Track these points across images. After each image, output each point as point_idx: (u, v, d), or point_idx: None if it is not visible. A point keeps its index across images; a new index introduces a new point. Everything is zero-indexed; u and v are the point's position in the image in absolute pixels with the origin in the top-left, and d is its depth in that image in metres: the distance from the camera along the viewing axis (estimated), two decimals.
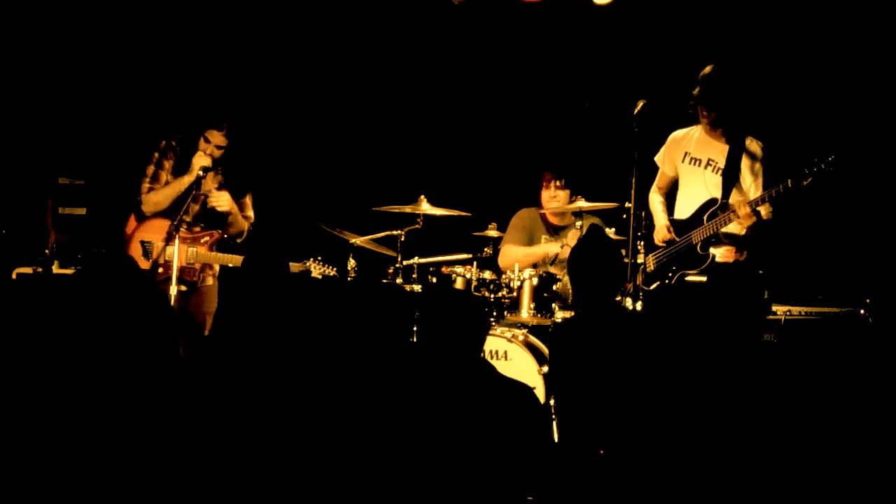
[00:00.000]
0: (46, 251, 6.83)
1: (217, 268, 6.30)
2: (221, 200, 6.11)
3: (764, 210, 5.66)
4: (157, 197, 6.07)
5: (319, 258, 6.54)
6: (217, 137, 6.08)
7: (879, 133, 6.73)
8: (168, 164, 6.13)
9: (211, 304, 6.22)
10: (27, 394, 3.21)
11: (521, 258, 6.74)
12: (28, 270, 6.74)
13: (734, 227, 5.77)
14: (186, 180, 6.01)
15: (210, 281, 6.25)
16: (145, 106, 7.30)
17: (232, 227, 6.26)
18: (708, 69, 5.84)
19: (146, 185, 6.10)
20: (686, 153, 6.02)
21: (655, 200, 6.19)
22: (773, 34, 7.01)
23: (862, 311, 5.95)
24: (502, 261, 6.93)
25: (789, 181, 5.47)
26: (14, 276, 6.73)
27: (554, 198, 6.95)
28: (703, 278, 5.77)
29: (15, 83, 7.24)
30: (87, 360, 3.23)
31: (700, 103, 5.86)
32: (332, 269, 6.60)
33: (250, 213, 6.32)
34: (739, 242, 5.81)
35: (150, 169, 6.11)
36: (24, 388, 3.22)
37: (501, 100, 7.87)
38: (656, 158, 6.18)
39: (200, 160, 6.00)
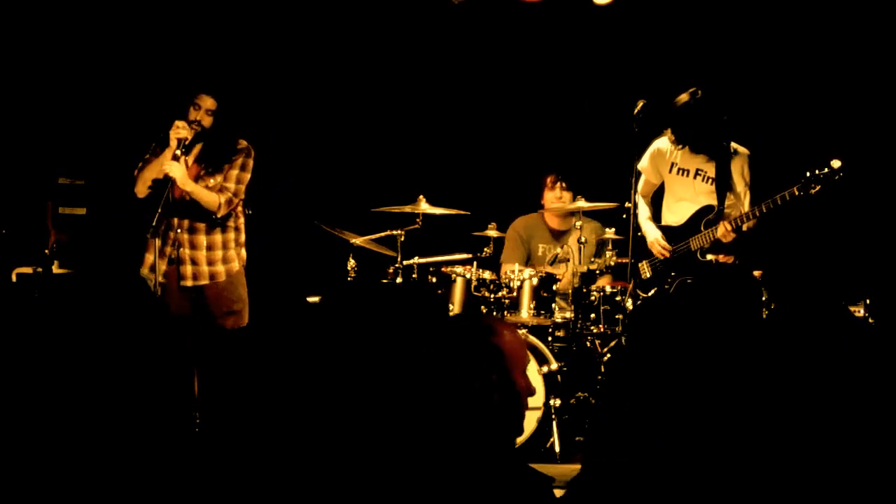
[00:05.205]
0: (46, 251, 6.82)
1: (222, 255, 5.85)
2: (172, 168, 5.60)
3: (745, 226, 5.67)
4: (142, 174, 5.73)
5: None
6: (207, 101, 5.74)
7: (877, 133, 6.74)
8: (160, 150, 5.75)
9: (229, 303, 5.77)
10: (27, 393, 3.21)
11: None
12: (28, 270, 6.73)
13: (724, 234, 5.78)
14: (167, 153, 5.63)
15: (222, 276, 5.78)
16: (145, 105, 7.29)
17: (199, 201, 5.74)
18: (684, 97, 5.81)
19: (138, 167, 5.77)
20: (673, 164, 6.02)
21: (643, 214, 6.12)
22: (772, 32, 7.02)
23: (862, 311, 5.95)
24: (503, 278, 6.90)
25: (796, 189, 5.47)
26: (14, 276, 6.73)
27: (559, 199, 7.00)
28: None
29: (14, 83, 7.23)
30: (86, 359, 3.24)
31: (680, 128, 5.88)
32: None
33: (231, 184, 5.79)
34: (729, 247, 5.82)
35: (147, 156, 5.78)
36: (24, 387, 3.22)
37: (500, 99, 7.88)
38: (640, 166, 6.07)
39: (177, 132, 5.62)
